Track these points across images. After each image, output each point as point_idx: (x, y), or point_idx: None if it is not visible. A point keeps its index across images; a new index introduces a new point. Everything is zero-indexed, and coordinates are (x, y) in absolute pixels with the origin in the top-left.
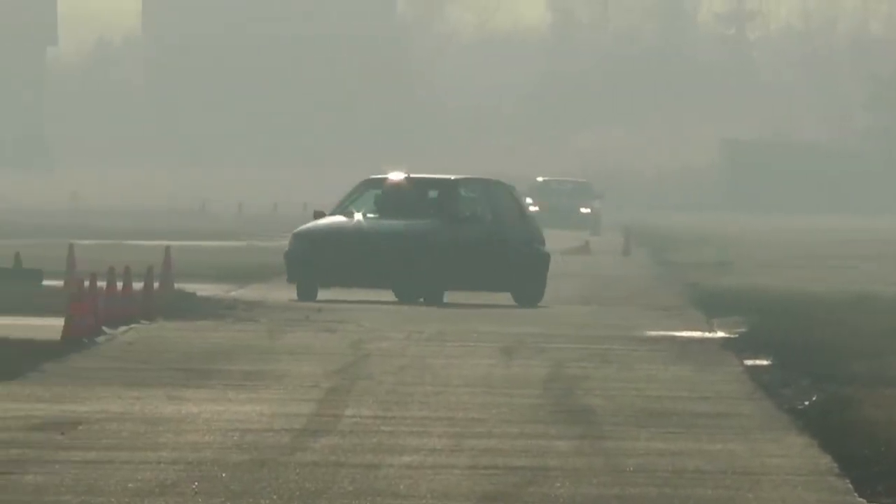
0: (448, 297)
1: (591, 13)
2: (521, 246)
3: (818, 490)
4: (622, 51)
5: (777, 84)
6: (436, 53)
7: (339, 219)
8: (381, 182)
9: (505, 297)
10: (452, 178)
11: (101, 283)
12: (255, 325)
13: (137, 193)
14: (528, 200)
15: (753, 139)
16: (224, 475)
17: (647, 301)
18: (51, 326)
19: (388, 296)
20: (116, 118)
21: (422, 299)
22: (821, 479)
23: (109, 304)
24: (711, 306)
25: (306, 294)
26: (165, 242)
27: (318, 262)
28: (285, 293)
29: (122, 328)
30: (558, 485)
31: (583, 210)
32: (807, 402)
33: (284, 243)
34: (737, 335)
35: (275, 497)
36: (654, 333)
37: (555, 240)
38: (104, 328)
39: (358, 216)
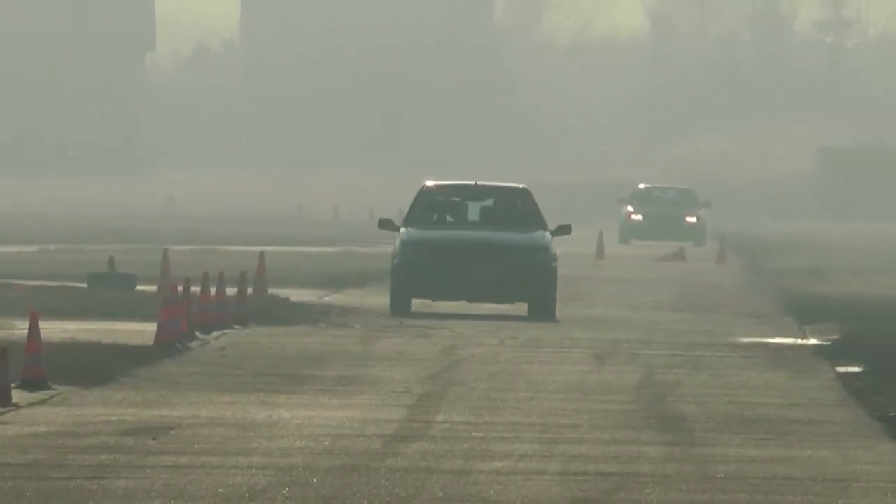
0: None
1: (689, 21)
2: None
3: None
4: (719, 59)
5: (875, 92)
6: (533, 61)
7: (443, 228)
8: (445, 189)
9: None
10: (521, 186)
11: (195, 289)
12: (348, 330)
13: (233, 198)
14: (629, 209)
15: (850, 147)
16: (315, 481)
17: (740, 308)
18: (144, 331)
19: (504, 310)
20: (213, 124)
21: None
22: None
23: (203, 310)
24: (804, 313)
25: (402, 307)
26: (260, 248)
27: (437, 273)
28: (380, 299)
29: (215, 333)
30: (648, 491)
31: (688, 219)
32: None
33: (382, 249)
34: (829, 342)
35: (365, 503)
36: (746, 340)
37: (657, 251)
38: (197, 333)
39: (458, 225)
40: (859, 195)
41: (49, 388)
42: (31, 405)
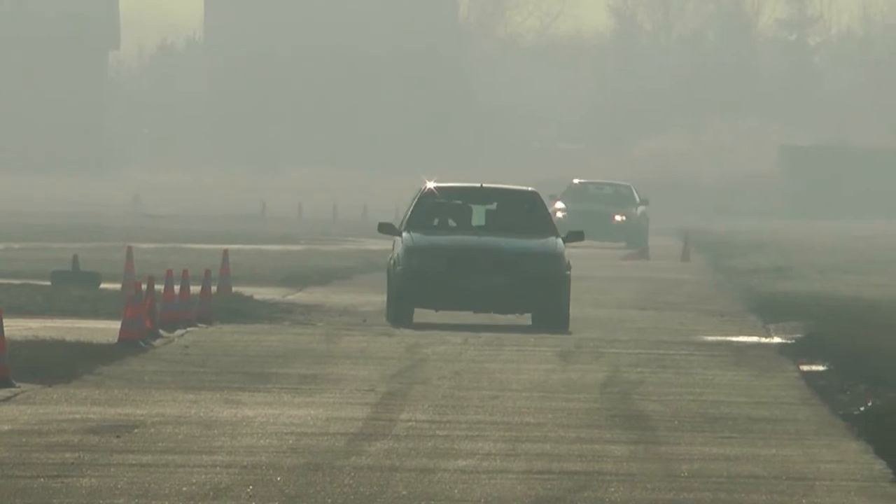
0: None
1: (653, 20)
2: None
3: (872, 496)
4: (684, 57)
5: (838, 90)
6: (497, 59)
7: (447, 234)
8: (447, 191)
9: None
10: (529, 189)
11: (159, 287)
12: (312, 328)
13: (198, 197)
14: (559, 205)
15: (813, 145)
16: (279, 479)
17: (704, 306)
18: (108, 329)
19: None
20: (178, 122)
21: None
22: (875, 486)
23: (166, 308)
24: (769, 312)
25: (403, 317)
26: (224, 246)
27: (442, 282)
28: (344, 297)
29: (179, 331)
30: (612, 489)
31: (617, 218)
32: (862, 408)
33: (344, 247)
34: (794, 340)
35: (329, 501)
36: (711, 338)
37: (598, 251)
38: (161, 331)
39: (463, 230)
40: (822, 194)
41: (12, 386)
42: None
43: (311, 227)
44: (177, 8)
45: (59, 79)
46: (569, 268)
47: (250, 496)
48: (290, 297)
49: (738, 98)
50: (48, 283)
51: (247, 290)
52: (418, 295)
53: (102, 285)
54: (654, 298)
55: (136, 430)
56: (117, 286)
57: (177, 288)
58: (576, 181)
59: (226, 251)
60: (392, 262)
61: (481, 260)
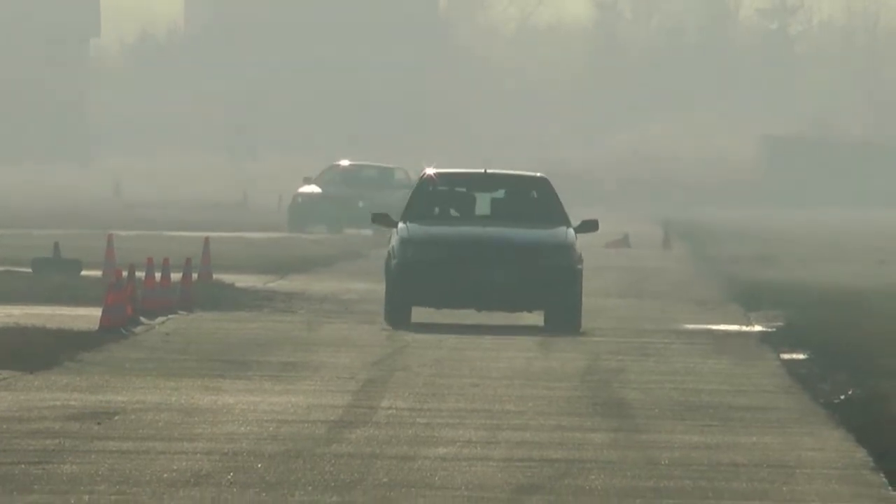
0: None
1: (634, 7)
2: None
3: (853, 484)
4: (664, 45)
5: (819, 79)
6: (478, 46)
7: (449, 224)
8: (449, 178)
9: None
10: (539, 175)
11: (140, 274)
12: (292, 316)
13: (179, 185)
14: (303, 189)
15: (794, 134)
16: (259, 466)
17: (685, 294)
18: (88, 316)
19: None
20: (159, 110)
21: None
22: (856, 473)
23: (147, 295)
24: (750, 300)
25: (400, 316)
26: (205, 233)
27: (443, 277)
28: (324, 285)
29: (160, 319)
30: (593, 477)
31: (362, 204)
32: (843, 397)
33: (325, 235)
34: (774, 329)
35: (310, 488)
36: (691, 327)
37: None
38: (142, 318)
39: (466, 221)
40: (802, 183)
41: None
42: None
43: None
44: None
45: (39, 67)
46: (581, 261)
47: (231, 483)
48: (271, 285)
49: (719, 87)
50: (29, 270)
51: (228, 278)
52: (415, 292)
53: (83, 272)
54: (635, 287)
55: (116, 417)
56: (98, 273)
57: (158, 275)
58: (340, 163)
59: (207, 239)
60: (388, 255)
61: (485, 252)
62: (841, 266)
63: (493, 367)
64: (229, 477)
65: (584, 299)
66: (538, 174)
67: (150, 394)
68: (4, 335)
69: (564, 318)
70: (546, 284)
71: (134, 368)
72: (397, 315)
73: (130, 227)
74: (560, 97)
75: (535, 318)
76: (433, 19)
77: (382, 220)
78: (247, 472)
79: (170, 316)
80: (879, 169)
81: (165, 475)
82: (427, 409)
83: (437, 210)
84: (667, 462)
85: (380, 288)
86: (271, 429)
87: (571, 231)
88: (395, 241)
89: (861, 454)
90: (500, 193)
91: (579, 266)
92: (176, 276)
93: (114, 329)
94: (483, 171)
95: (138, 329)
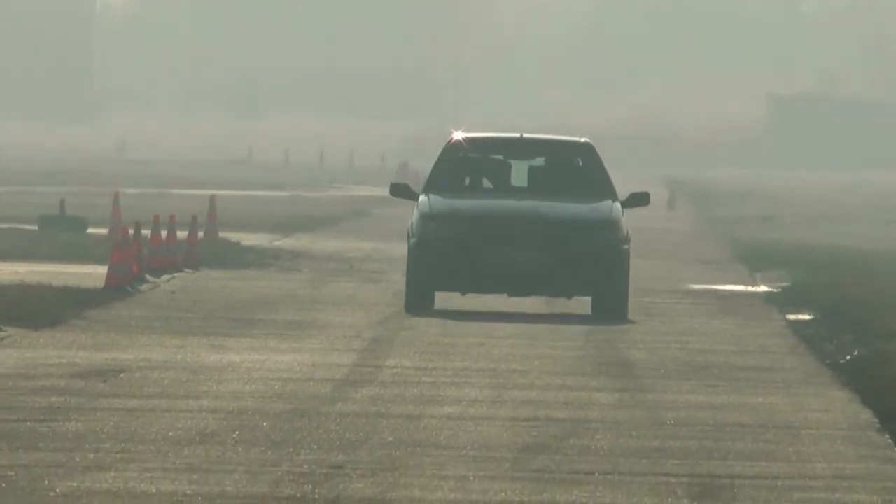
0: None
1: None
2: None
3: (858, 445)
4: (670, 4)
5: (825, 37)
6: (481, 6)
7: (478, 197)
8: (480, 143)
9: None
10: (583, 140)
11: (146, 232)
12: (298, 274)
13: (184, 142)
14: None
15: (801, 94)
16: (265, 424)
17: (690, 255)
18: (94, 274)
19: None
20: (165, 67)
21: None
22: (861, 434)
23: (153, 253)
24: (755, 260)
25: (421, 303)
26: (211, 192)
27: (470, 258)
28: (329, 243)
29: (166, 277)
30: (598, 437)
31: None
32: (849, 357)
33: (330, 193)
34: (780, 289)
35: (315, 447)
36: (697, 287)
37: None
38: (147, 276)
39: (498, 193)
40: (808, 142)
41: None
42: None
43: (297, 174)
44: None
45: (45, 25)
46: (628, 240)
47: (236, 441)
48: (277, 244)
49: (726, 46)
50: (35, 227)
51: (234, 236)
52: (438, 274)
53: (89, 230)
54: (641, 247)
55: (122, 375)
56: (104, 231)
57: (164, 233)
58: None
59: (213, 197)
60: (408, 233)
61: (520, 229)
62: (848, 226)
63: (499, 326)
64: (234, 435)
65: None
66: (582, 139)
67: (156, 352)
68: (10, 292)
69: (609, 304)
70: (590, 266)
71: (139, 326)
72: (418, 301)
73: (136, 185)
74: (564, 59)
75: (576, 305)
76: None
77: (402, 191)
78: (252, 431)
79: (175, 274)
80: (886, 128)
81: (170, 433)
82: (432, 368)
83: (465, 180)
84: (672, 422)
85: (385, 247)
86: (277, 387)
87: (618, 205)
88: (415, 216)
89: (866, 415)
90: (539, 161)
91: (626, 246)
92: (182, 234)
93: (119, 287)
94: (519, 135)
95: (144, 287)
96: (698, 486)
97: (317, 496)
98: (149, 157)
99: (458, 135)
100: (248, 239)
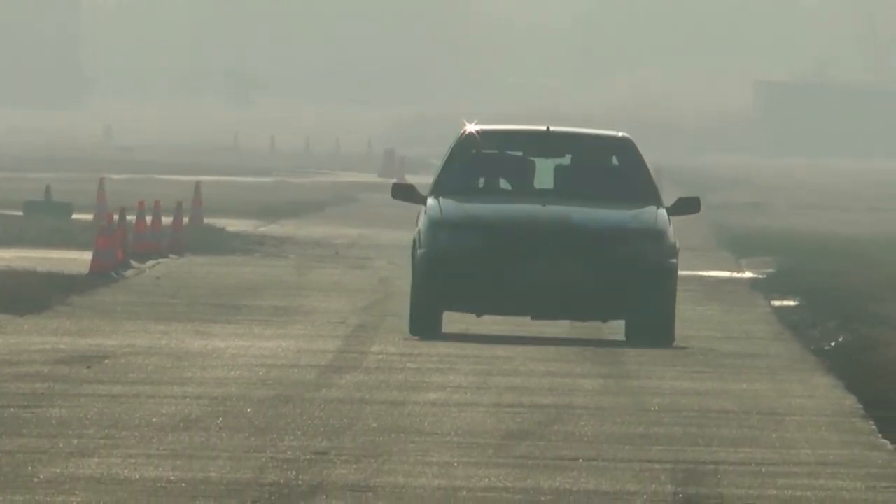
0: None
1: None
2: None
3: (842, 431)
4: None
5: (818, 25)
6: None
7: (496, 202)
8: (498, 137)
9: None
10: (620, 134)
11: (131, 218)
12: (284, 260)
13: (170, 128)
14: None
15: (789, 81)
16: (249, 410)
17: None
18: (79, 260)
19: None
20: (157, 54)
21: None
22: (845, 420)
23: (138, 239)
24: (741, 247)
25: (428, 324)
26: (196, 177)
27: (487, 274)
28: (315, 229)
29: (151, 262)
30: (583, 423)
31: None
32: (833, 344)
33: (316, 179)
34: (765, 276)
35: (299, 433)
36: (683, 273)
37: None
38: (132, 262)
39: (519, 196)
40: (797, 130)
41: None
42: None
43: (283, 160)
44: None
45: (33, 10)
46: (676, 253)
47: (220, 427)
48: (262, 229)
49: (717, 33)
50: (20, 213)
51: (219, 222)
52: (448, 293)
53: (74, 216)
54: None
55: (106, 361)
56: (89, 217)
57: (149, 219)
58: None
59: (198, 183)
60: (413, 242)
61: (547, 240)
62: (835, 214)
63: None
64: (218, 421)
65: None
66: (620, 133)
67: (140, 338)
68: None
69: (652, 328)
70: (628, 284)
71: (124, 312)
72: (424, 322)
73: (122, 171)
74: (555, 46)
75: (610, 328)
76: None
77: (405, 193)
78: (236, 417)
79: (160, 260)
80: (879, 115)
81: (154, 419)
82: (417, 354)
83: (480, 181)
84: (657, 408)
85: (371, 233)
86: (261, 373)
87: (663, 212)
88: (423, 222)
89: (851, 401)
90: (567, 160)
91: (673, 261)
92: (167, 220)
93: (104, 273)
94: (545, 128)
95: (129, 273)
96: (682, 472)
97: (300, 482)
98: (136, 143)
99: (471, 127)
100: (234, 225)
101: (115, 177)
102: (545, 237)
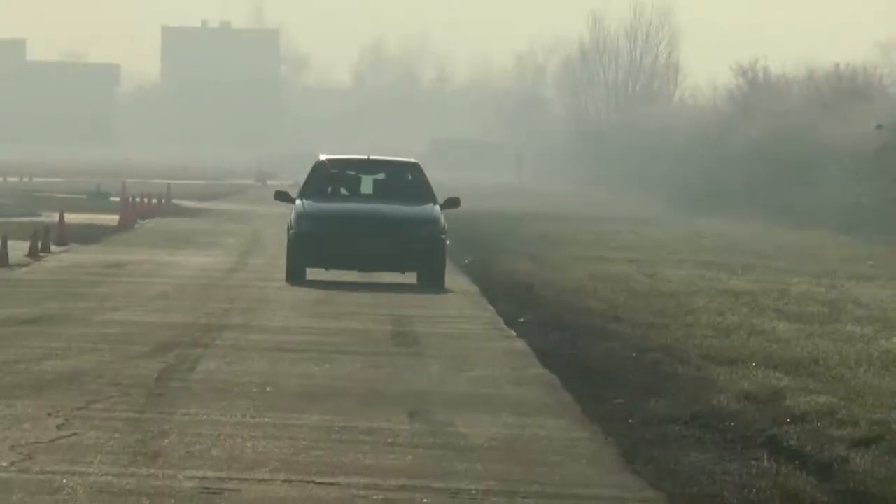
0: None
1: None
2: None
3: (470, 302)
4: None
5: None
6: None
7: (337, 201)
8: (339, 163)
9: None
10: (412, 160)
11: (138, 199)
12: (209, 219)
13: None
14: None
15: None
16: (192, 289)
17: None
18: (112, 219)
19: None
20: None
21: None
22: (472, 296)
23: (141, 209)
24: None
25: (297, 276)
26: (167, 181)
27: (331, 245)
28: (230, 206)
29: (147, 220)
30: (365, 310)
31: None
32: (467, 261)
33: (227, 182)
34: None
35: (215, 301)
36: None
37: None
38: (139, 220)
39: (352, 198)
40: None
41: (66, 245)
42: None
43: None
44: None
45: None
46: (445, 231)
47: (178, 297)
48: (202, 205)
49: None
50: (86, 196)
51: (182, 202)
52: (309, 256)
53: (111, 198)
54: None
55: (126, 267)
56: (118, 199)
57: (146, 200)
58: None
59: (169, 185)
60: (288, 226)
61: (365, 225)
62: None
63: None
64: (178, 295)
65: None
66: (411, 160)
67: (142, 255)
68: (75, 229)
69: (433, 279)
70: (417, 252)
71: (134, 243)
72: (295, 274)
73: (131, 178)
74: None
75: (408, 277)
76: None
77: (284, 197)
78: (186, 291)
79: (152, 220)
80: None
81: (147, 293)
82: (277, 265)
83: (329, 189)
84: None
85: (263, 210)
86: (199, 273)
87: (437, 207)
88: (293, 215)
89: (476, 288)
90: (381, 175)
91: (443, 236)
92: (155, 202)
93: (125, 226)
94: (367, 157)
95: (136, 226)
96: (395, 320)
97: (216, 323)
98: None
99: (323, 157)
100: (186, 203)
101: (129, 181)
102: (368, 222)
